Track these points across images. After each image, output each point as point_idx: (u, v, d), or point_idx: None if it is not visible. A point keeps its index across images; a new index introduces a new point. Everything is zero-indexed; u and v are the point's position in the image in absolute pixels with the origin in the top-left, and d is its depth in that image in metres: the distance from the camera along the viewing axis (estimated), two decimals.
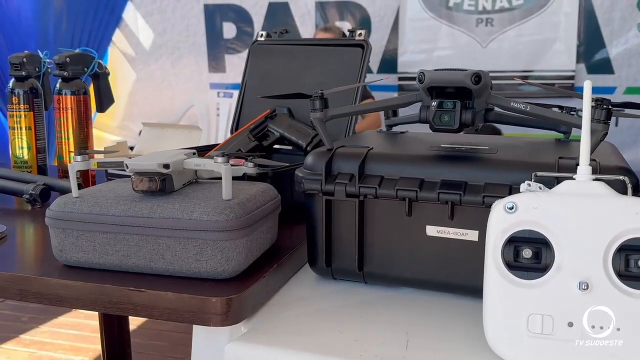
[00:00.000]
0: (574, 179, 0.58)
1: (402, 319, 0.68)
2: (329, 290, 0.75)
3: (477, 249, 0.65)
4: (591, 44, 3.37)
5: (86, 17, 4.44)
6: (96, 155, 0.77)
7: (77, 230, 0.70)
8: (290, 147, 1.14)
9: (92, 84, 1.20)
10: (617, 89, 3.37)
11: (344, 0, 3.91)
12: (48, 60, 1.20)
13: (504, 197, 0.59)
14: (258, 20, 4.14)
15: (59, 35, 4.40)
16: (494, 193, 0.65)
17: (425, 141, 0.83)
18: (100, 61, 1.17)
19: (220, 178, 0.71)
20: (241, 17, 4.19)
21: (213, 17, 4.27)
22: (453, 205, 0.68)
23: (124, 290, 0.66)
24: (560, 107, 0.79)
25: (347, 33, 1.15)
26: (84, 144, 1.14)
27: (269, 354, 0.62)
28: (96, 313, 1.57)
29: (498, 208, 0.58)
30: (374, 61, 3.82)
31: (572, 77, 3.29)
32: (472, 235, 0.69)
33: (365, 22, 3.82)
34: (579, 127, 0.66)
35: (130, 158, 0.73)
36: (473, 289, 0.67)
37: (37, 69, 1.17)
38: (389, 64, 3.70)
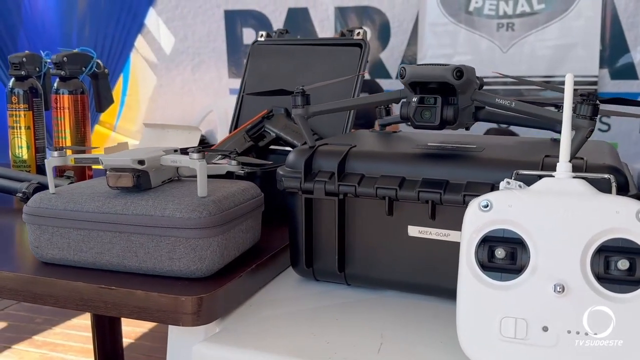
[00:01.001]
0: (553, 177, 0.55)
1: (379, 322, 0.65)
2: (310, 292, 0.73)
3: None
4: (615, 49, 3.29)
5: (109, 23, 4.48)
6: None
7: (52, 226, 0.69)
8: (286, 148, 1.12)
9: (91, 84, 1.20)
10: None
11: (363, 5, 3.90)
12: (49, 61, 1.20)
13: None
14: (277, 25, 4.12)
15: (82, 40, 4.45)
16: (475, 192, 0.62)
17: (414, 140, 0.80)
18: (98, 61, 1.17)
19: (209, 176, 0.70)
20: (261, 22, 4.19)
21: (233, 23, 4.29)
22: (434, 205, 0.65)
23: (95, 288, 0.65)
24: (556, 106, 0.75)
25: (346, 32, 1.13)
26: (81, 144, 1.14)
27: (236, 355, 0.60)
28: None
29: (473, 206, 0.55)
30: (393, 67, 3.80)
31: (595, 83, 3.21)
32: (455, 236, 0.66)
33: (384, 27, 3.79)
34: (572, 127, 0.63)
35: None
36: (456, 293, 0.65)
37: (37, 69, 1.17)
38: None
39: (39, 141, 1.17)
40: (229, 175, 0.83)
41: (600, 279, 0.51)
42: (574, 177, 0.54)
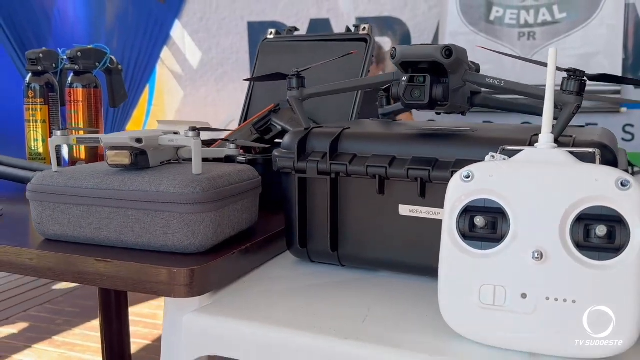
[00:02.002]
0: (535, 148, 0.55)
1: (368, 298, 0.66)
2: (304, 272, 0.74)
3: None
4: (638, 57, 3.26)
5: (136, 36, 4.59)
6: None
7: (54, 203, 0.72)
8: None
9: (106, 80, 1.23)
10: None
11: (384, 16, 3.92)
12: (65, 57, 1.24)
13: None
14: None
15: (110, 52, 4.56)
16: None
17: (411, 125, 0.81)
18: (112, 57, 1.21)
19: (207, 160, 0.71)
20: None
21: (256, 34, 4.35)
22: (423, 182, 0.66)
23: (91, 261, 0.67)
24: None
25: (352, 28, 1.14)
26: None
27: (223, 325, 0.61)
28: (130, 319, 1.59)
29: (455, 177, 0.56)
30: None
31: (618, 92, 3.18)
32: None
33: (405, 38, 3.81)
34: (557, 102, 0.64)
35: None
36: None
37: (54, 65, 1.21)
38: None
39: None
40: (231, 162, 0.85)
41: (580, 246, 0.51)
42: (555, 148, 0.54)
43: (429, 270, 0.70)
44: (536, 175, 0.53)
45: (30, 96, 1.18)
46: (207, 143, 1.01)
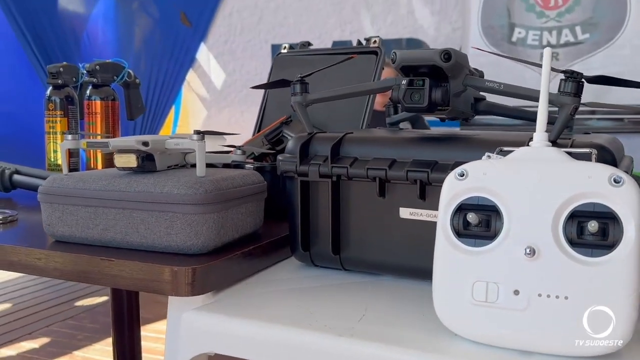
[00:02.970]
0: (529, 146, 0.55)
1: (367, 299, 0.66)
2: (307, 275, 0.75)
3: None
4: None
5: (162, 59, 4.69)
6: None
7: (63, 204, 0.73)
8: None
9: (124, 93, 1.26)
10: None
11: (407, 37, 3.95)
12: (85, 72, 1.27)
13: None
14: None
15: (137, 74, 4.67)
16: None
17: (413, 131, 0.82)
18: (130, 71, 1.24)
19: (213, 165, 0.73)
20: None
21: None
22: (423, 185, 0.66)
23: (96, 260, 0.68)
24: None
25: (364, 41, 1.16)
26: None
27: (222, 322, 0.62)
28: (144, 334, 1.60)
29: (450, 176, 0.56)
30: None
31: None
32: None
33: None
34: (554, 104, 0.64)
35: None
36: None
37: (74, 79, 1.25)
38: None
39: None
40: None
41: (573, 243, 0.51)
42: (548, 146, 0.54)
43: (429, 273, 0.70)
44: (529, 172, 0.53)
45: (51, 108, 1.21)
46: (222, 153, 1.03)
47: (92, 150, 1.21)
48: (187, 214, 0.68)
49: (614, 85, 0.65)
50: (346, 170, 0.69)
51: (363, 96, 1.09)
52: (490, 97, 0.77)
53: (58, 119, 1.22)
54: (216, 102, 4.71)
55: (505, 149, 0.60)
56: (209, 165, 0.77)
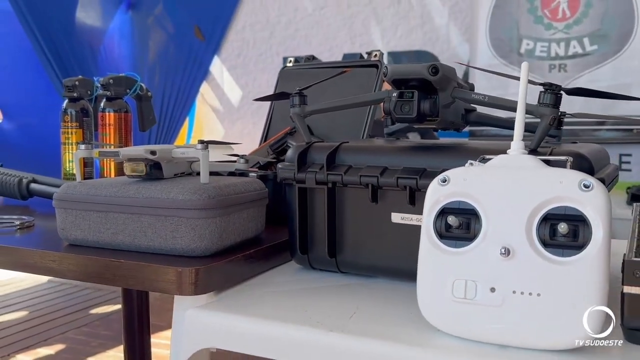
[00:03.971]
0: (507, 154, 0.59)
1: (360, 299, 0.70)
2: (305, 278, 0.79)
3: None
4: None
5: (176, 72, 4.78)
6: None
7: (76, 209, 0.78)
8: None
9: (136, 106, 1.32)
10: None
11: (415, 49, 3.99)
12: (100, 85, 1.33)
13: None
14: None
15: (152, 87, 4.76)
16: None
17: (406, 141, 0.86)
18: (142, 84, 1.29)
19: (217, 173, 0.77)
20: None
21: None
22: (412, 191, 0.70)
23: (105, 261, 0.73)
24: None
25: (365, 55, 1.20)
26: None
27: (223, 319, 0.66)
28: (156, 341, 1.63)
29: (433, 182, 0.60)
30: None
31: None
32: None
33: None
34: (535, 115, 0.68)
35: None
36: None
37: (89, 92, 1.30)
38: None
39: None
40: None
41: (545, 244, 0.54)
42: (524, 154, 0.58)
43: None
44: (505, 178, 0.57)
45: (66, 120, 1.27)
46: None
47: (105, 160, 1.26)
48: (191, 218, 0.72)
49: (593, 97, 0.69)
50: (341, 177, 0.74)
51: (364, 107, 1.13)
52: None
53: (73, 130, 1.27)
54: (229, 114, 4.78)
55: (487, 157, 0.64)
56: (213, 173, 0.82)
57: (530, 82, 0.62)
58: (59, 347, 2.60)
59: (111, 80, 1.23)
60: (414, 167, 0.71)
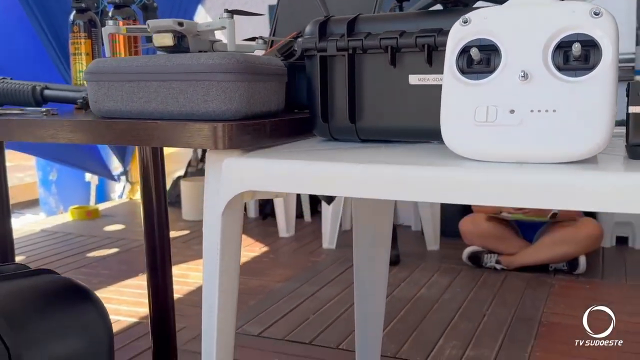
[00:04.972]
0: None
1: (383, 152, 0.75)
2: (327, 145, 0.84)
3: None
4: None
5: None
6: None
7: (108, 81, 0.82)
8: None
9: (142, 17, 1.34)
10: None
11: None
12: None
13: None
14: None
15: None
16: None
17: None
18: None
19: None
20: None
21: None
22: (430, 50, 0.75)
23: (142, 123, 0.78)
24: None
25: None
26: None
27: (259, 162, 0.71)
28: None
29: (455, 24, 0.65)
30: None
31: (632, 60, 3.22)
32: None
33: None
34: None
35: None
36: None
37: (95, 4, 1.33)
38: None
39: None
40: None
41: (560, 68, 0.60)
42: None
43: (437, 133, 0.79)
44: (523, 13, 0.62)
45: (75, 31, 1.29)
46: None
47: None
48: (221, 81, 0.77)
49: None
50: (361, 42, 0.78)
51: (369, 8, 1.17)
52: None
53: (82, 40, 1.30)
54: None
55: None
56: None
57: None
58: None
59: None
60: (431, 28, 0.76)
